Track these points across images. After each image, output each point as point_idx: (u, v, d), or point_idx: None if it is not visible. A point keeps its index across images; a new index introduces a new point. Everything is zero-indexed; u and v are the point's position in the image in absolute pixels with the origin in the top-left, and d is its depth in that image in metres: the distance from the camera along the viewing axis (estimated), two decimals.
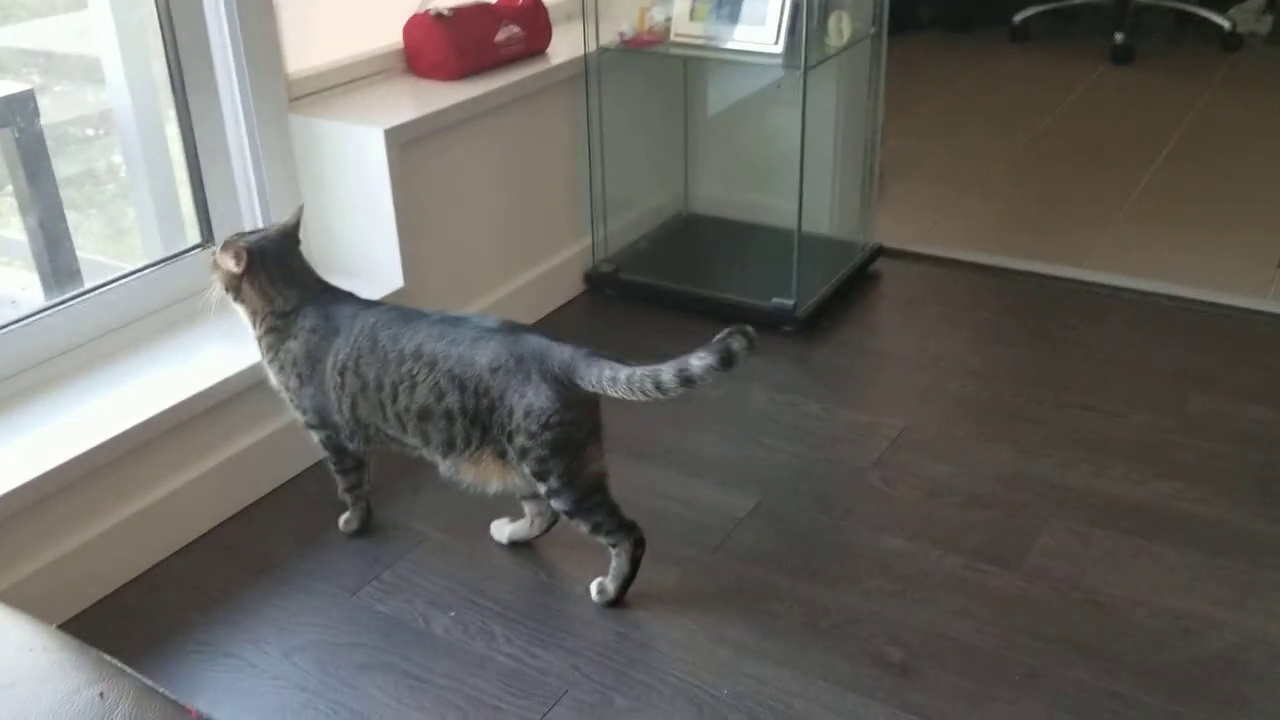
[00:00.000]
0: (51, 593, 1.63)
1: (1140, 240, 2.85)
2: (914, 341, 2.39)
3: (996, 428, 2.07)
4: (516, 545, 1.79)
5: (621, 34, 2.47)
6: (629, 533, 1.61)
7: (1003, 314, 2.51)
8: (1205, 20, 4.41)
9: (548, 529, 1.76)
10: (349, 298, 1.70)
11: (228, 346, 1.87)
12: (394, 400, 1.59)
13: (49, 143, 1.92)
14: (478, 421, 1.55)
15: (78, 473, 1.63)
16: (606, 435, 1.59)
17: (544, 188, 2.47)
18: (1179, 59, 4.36)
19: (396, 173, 2.05)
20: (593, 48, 2.46)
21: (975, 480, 1.92)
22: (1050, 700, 1.47)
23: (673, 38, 2.43)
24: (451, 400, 1.55)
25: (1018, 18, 4.60)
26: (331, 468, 1.77)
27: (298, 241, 1.71)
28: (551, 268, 2.53)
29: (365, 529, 1.83)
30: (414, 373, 1.57)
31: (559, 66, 2.42)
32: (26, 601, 1.13)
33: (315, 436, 1.73)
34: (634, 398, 1.48)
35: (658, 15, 2.47)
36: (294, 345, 1.66)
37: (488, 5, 2.36)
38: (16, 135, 1.88)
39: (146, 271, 1.95)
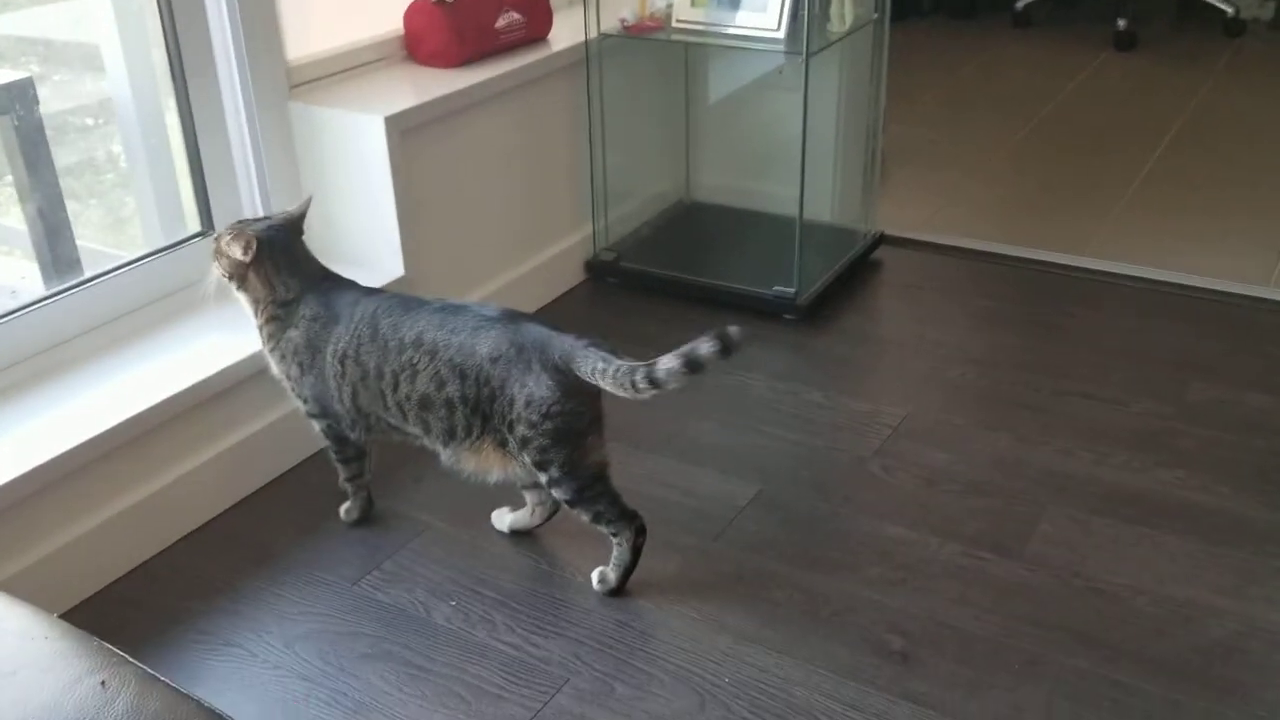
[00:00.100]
0: (52, 582, 1.63)
1: (1142, 227, 2.84)
2: (915, 329, 2.39)
3: (997, 415, 2.06)
4: (517, 534, 1.79)
5: (623, 20, 2.46)
6: (630, 522, 1.61)
7: (1004, 301, 2.51)
8: (1208, 6, 4.40)
9: (549, 518, 1.76)
10: (350, 285, 1.70)
11: (228, 335, 1.87)
12: (394, 389, 1.59)
13: (48, 132, 1.91)
14: (478, 410, 1.55)
15: (78, 462, 1.63)
16: (608, 424, 1.59)
17: (545, 175, 2.47)
18: (1181, 45, 4.35)
19: (397, 160, 2.04)
20: (594, 34, 2.45)
21: (975, 468, 1.92)
22: (1050, 688, 1.47)
23: (674, 24, 2.42)
24: (452, 389, 1.55)
25: (1020, 4, 4.58)
26: (332, 457, 1.77)
27: (301, 231, 1.70)
28: (552, 256, 2.52)
29: (366, 518, 1.83)
30: (414, 361, 1.57)
31: (560, 53, 2.41)
32: (28, 591, 1.13)
33: (316, 426, 1.73)
34: (619, 392, 1.48)
35: (659, 1, 2.46)
36: (295, 334, 1.66)
37: None
38: (16, 123, 1.87)
39: (146, 261, 1.95)
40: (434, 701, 1.48)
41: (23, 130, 1.88)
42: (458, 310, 1.59)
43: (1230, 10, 4.34)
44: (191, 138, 1.98)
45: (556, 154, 2.48)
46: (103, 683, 0.83)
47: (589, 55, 2.46)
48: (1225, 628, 1.56)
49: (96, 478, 1.67)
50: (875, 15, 2.53)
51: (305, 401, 1.70)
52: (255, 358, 1.78)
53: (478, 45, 2.30)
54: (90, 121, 2.06)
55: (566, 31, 2.46)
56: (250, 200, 2.07)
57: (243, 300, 1.69)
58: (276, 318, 1.67)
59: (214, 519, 1.85)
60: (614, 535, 1.62)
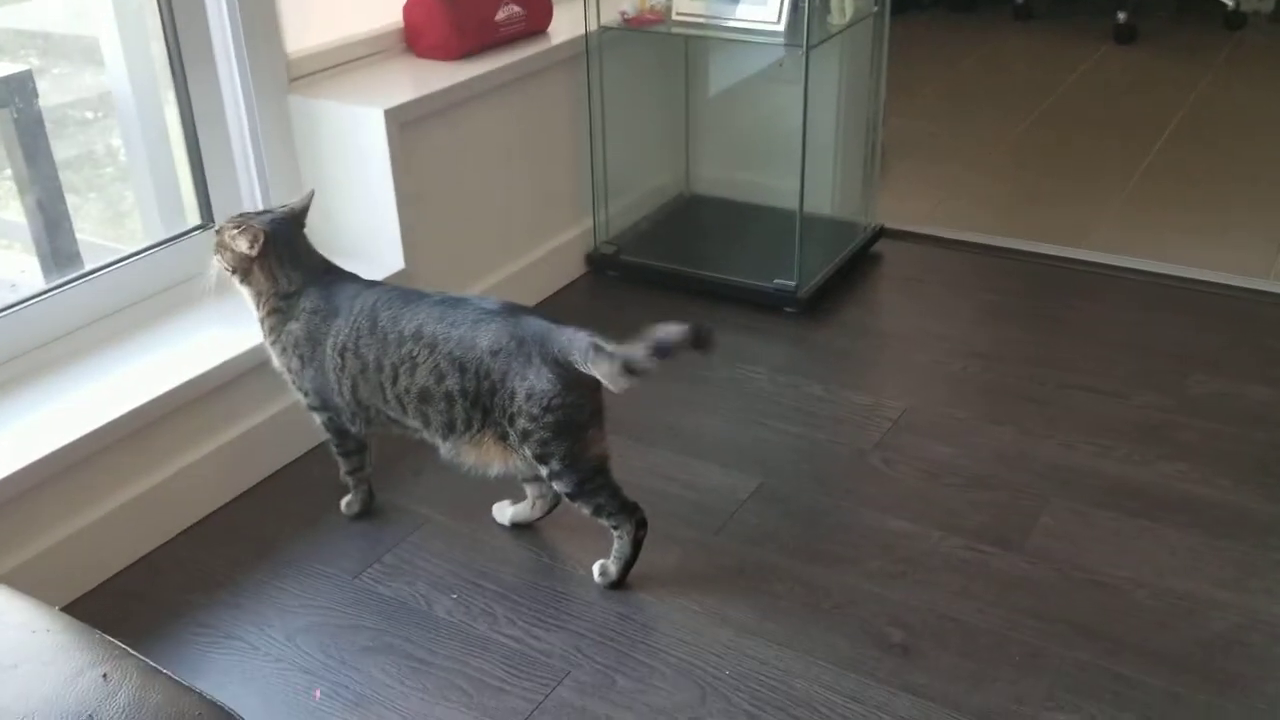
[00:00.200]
0: (54, 575, 1.63)
1: (1143, 220, 2.84)
2: (916, 322, 2.39)
3: (999, 408, 2.06)
4: (518, 527, 1.79)
5: (623, 13, 2.46)
6: (631, 514, 1.61)
7: (1005, 294, 2.50)
8: None
9: (549, 511, 1.76)
10: (351, 278, 1.70)
11: (228, 329, 1.87)
12: (394, 382, 1.59)
13: (48, 125, 1.91)
14: (478, 404, 1.55)
15: (79, 455, 1.63)
16: (608, 417, 1.59)
17: (545, 168, 2.46)
18: (1182, 38, 4.34)
19: (397, 153, 2.04)
20: (594, 27, 2.44)
21: (977, 461, 1.92)
22: (1051, 681, 1.47)
23: (674, 16, 2.42)
24: (452, 382, 1.55)
25: None
26: (334, 450, 1.77)
27: (304, 225, 1.70)
28: (553, 249, 2.52)
29: (367, 511, 1.83)
30: (414, 354, 1.57)
31: (560, 46, 2.40)
32: (29, 584, 1.13)
33: (318, 419, 1.73)
34: (607, 382, 1.49)
35: None
36: (295, 327, 1.66)
37: None
38: (15, 116, 1.87)
39: (146, 254, 1.94)
40: (435, 694, 1.48)
41: (22, 123, 1.88)
42: (458, 303, 1.59)
43: (1230, 3, 4.34)
44: (191, 131, 1.97)
45: (557, 147, 2.48)
46: (105, 675, 0.83)
47: (589, 48, 2.45)
48: (1226, 620, 1.56)
49: (98, 471, 1.67)
50: (875, 8, 2.53)
51: (306, 394, 1.70)
52: (255, 351, 1.78)
53: (478, 38, 2.29)
54: (89, 115, 2.06)
55: (566, 24, 2.46)
56: (250, 194, 2.06)
57: (245, 293, 1.69)
58: (278, 310, 1.67)
59: (215, 512, 1.85)
60: (615, 528, 1.62)
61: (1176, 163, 3.20)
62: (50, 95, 1.94)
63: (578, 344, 1.49)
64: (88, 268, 1.88)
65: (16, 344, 1.76)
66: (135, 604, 1.66)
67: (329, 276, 1.69)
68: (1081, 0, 4.71)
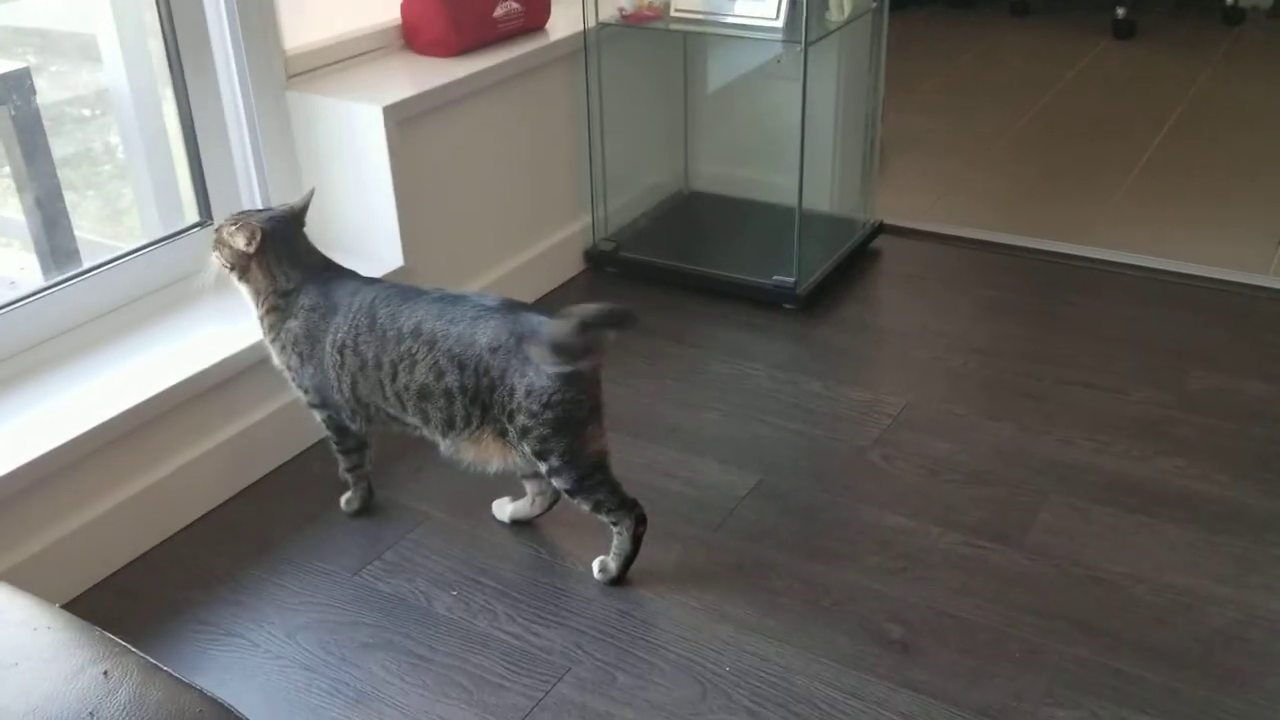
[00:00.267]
0: (54, 573, 1.63)
1: (1142, 216, 2.84)
2: (915, 319, 2.39)
3: (997, 405, 2.07)
4: (518, 524, 1.79)
5: (621, 9, 2.46)
6: (630, 511, 1.61)
7: (1004, 290, 2.50)
8: None
9: (549, 508, 1.76)
10: (350, 275, 1.69)
11: (227, 326, 1.87)
12: (393, 379, 1.59)
13: (45, 122, 1.91)
14: (478, 400, 1.55)
15: (78, 454, 1.63)
16: (608, 414, 1.59)
17: (544, 165, 2.46)
18: (1181, 33, 4.34)
19: (395, 150, 2.04)
20: (592, 23, 2.44)
21: (976, 457, 1.92)
22: (1050, 677, 1.48)
23: (672, 13, 2.42)
24: (451, 379, 1.55)
25: None
26: (334, 448, 1.77)
27: (303, 223, 1.70)
28: (551, 245, 2.52)
29: (367, 508, 1.83)
30: (413, 351, 1.57)
31: (558, 42, 2.40)
32: (29, 581, 1.13)
33: (318, 416, 1.73)
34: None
35: None
36: (294, 324, 1.66)
37: None
38: (13, 114, 1.87)
39: (145, 251, 1.94)
40: (436, 691, 1.48)
41: (20, 121, 1.88)
42: (456, 300, 1.59)
43: None
44: (189, 128, 1.97)
45: (555, 144, 2.48)
46: (105, 673, 0.83)
47: (587, 45, 2.45)
48: (1225, 616, 1.56)
49: (97, 468, 1.67)
50: (874, 4, 2.53)
51: (306, 392, 1.70)
52: (254, 348, 1.78)
53: (476, 34, 2.29)
54: (87, 112, 2.06)
55: (565, 21, 2.46)
56: (248, 190, 2.06)
57: (243, 291, 1.69)
58: (277, 308, 1.67)
59: (215, 509, 1.85)
60: (614, 524, 1.62)
61: (1175, 158, 3.20)
62: (48, 93, 1.94)
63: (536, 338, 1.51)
64: (86, 265, 1.88)
65: (15, 341, 1.76)
66: (135, 602, 1.66)
67: (327, 274, 1.69)
68: None
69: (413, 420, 1.62)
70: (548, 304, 2.43)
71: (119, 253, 1.92)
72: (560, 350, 1.48)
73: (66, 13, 2.04)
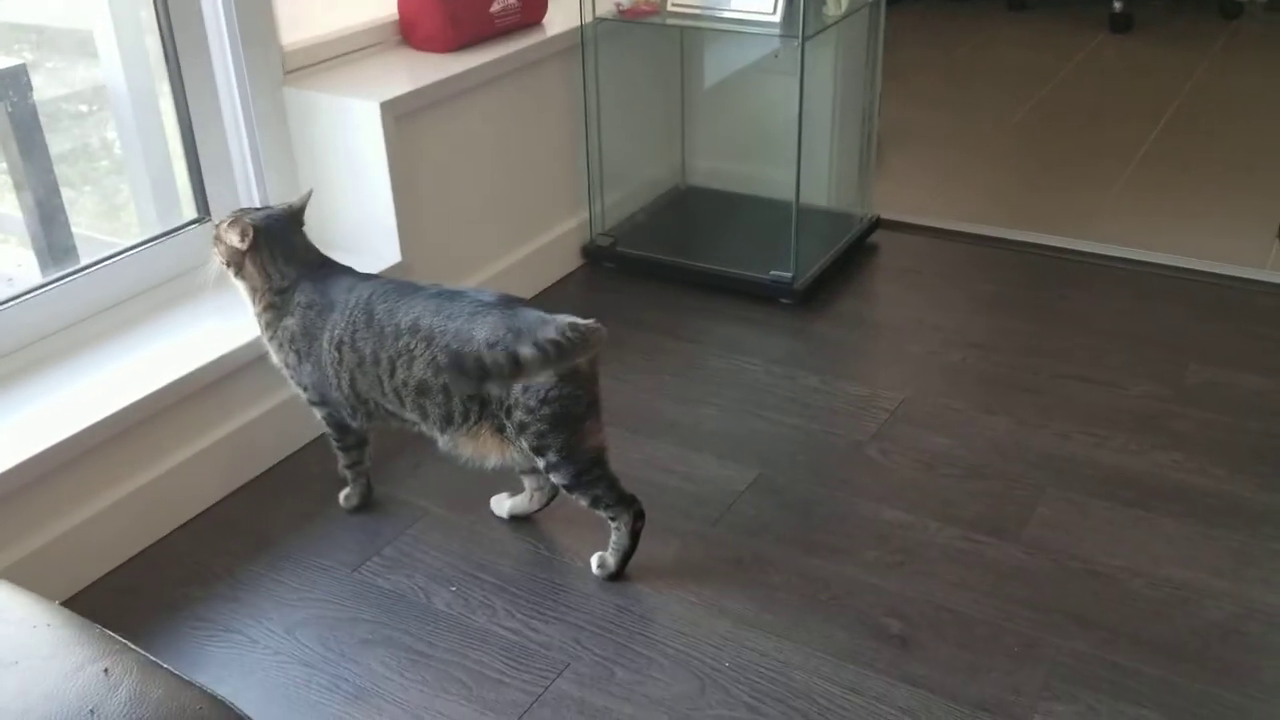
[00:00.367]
0: (53, 570, 1.63)
1: (1139, 210, 2.84)
2: (912, 313, 2.39)
3: (995, 399, 2.07)
4: (516, 520, 1.79)
5: (618, 4, 2.45)
6: (628, 506, 1.61)
7: (1001, 285, 2.51)
8: None
9: (547, 503, 1.76)
10: (346, 272, 1.69)
11: (225, 322, 1.87)
12: (391, 375, 1.59)
13: (42, 119, 1.90)
14: (475, 396, 1.55)
15: (76, 450, 1.63)
16: (605, 409, 1.59)
17: (541, 160, 2.46)
18: (1178, 27, 4.34)
19: (393, 146, 2.04)
20: (589, 18, 2.44)
21: (973, 452, 1.92)
22: (1048, 670, 1.48)
23: (669, 8, 2.42)
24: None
25: None
26: (333, 445, 1.77)
27: (301, 222, 1.70)
28: (549, 241, 2.52)
29: (365, 505, 1.83)
30: (411, 347, 1.57)
31: (555, 38, 2.40)
32: (29, 579, 1.13)
33: (317, 413, 1.73)
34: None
35: None
36: (291, 322, 1.66)
37: None
38: (10, 110, 1.86)
39: (142, 248, 1.94)
40: (435, 687, 1.49)
41: (16, 117, 1.88)
42: (454, 296, 1.59)
43: None
44: (186, 124, 1.97)
45: (552, 139, 2.48)
46: (106, 670, 0.83)
47: (584, 40, 2.45)
48: (1222, 609, 1.57)
49: (95, 465, 1.67)
50: None
51: (305, 389, 1.70)
52: (252, 344, 1.78)
53: (473, 30, 2.29)
54: (84, 108, 2.05)
55: (561, 16, 2.45)
56: (246, 186, 2.06)
57: (241, 288, 1.69)
58: (274, 305, 1.67)
59: (213, 506, 1.85)
60: (612, 520, 1.62)
61: (1172, 151, 3.20)
62: (45, 89, 1.94)
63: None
64: (83, 261, 1.88)
65: (13, 338, 1.76)
66: (133, 598, 1.66)
67: (324, 271, 1.68)
68: None
69: (411, 416, 1.62)
70: (545, 299, 2.43)
71: (116, 249, 1.92)
72: (549, 356, 1.47)
73: (63, 9, 2.04)
